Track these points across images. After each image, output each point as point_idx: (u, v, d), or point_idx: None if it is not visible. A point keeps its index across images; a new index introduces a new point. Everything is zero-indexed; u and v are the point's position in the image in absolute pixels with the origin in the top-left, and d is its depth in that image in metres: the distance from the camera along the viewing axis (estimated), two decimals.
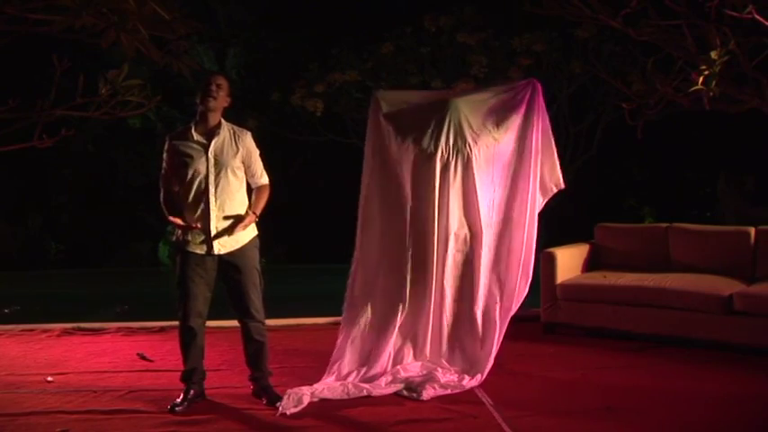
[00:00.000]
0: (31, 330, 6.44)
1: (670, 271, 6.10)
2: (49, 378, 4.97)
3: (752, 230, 6.08)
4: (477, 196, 5.01)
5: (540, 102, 5.17)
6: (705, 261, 6.10)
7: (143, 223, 14.00)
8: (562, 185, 5.32)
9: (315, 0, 12.95)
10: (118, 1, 4.27)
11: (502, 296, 5.06)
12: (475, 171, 5.00)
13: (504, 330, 5.04)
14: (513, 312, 5.11)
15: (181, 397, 4.36)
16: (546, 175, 5.26)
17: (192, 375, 4.43)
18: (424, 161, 5.02)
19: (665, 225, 6.57)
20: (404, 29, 11.33)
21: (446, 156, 4.98)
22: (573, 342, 5.95)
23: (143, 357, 5.52)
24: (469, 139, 5.01)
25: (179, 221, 4.28)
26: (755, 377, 4.83)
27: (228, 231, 4.31)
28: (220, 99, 4.34)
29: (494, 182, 5.10)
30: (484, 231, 5.04)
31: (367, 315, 4.93)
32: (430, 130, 5.03)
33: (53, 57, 4.88)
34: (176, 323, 6.20)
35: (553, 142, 5.28)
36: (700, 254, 6.20)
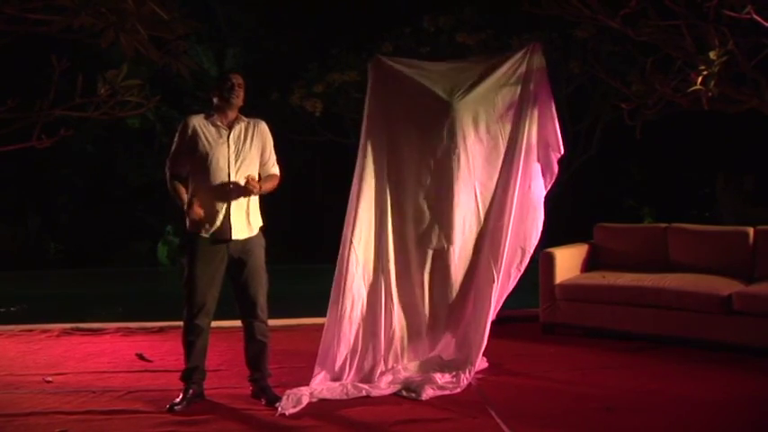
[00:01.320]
0: (30, 331, 6.43)
1: (669, 271, 6.10)
2: (48, 378, 4.97)
3: (751, 230, 6.09)
4: (477, 190, 5.04)
5: (540, 74, 5.17)
6: (704, 261, 6.10)
7: (142, 223, 14.02)
8: (561, 151, 5.23)
9: (314, 0, 12.95)
10: (116, 1, 4.27)
11: (498, 275, 5.02)
12: (475, 166, 5.03)
13: (497, 310, 5.07)
14: (508, 292, 5.14)
15: (180, 396, 4.36)
16: (550, 143, 5.21)
17: (192, 375, 4.43)
18: (425, 155, 5.04)
19: (664, 225, 6.57)
20: (403, 29, 11.33)
21: (447, 152, 4.99)
22: (572, 342, 5.95)
23: (142, 358, 5.52)
24: (472, 138, 5.04)
25: (197, 210, 4.26)
26: (755, 377, 4.84)
27: (244, 218, 4.36)
28: (241, 98, 4.44)
29: (495, 171, 5.12)
30: (483, 221, 5.06)
31: (354, 307, 4.89)
32: (431, 128, 5.05)
33: (52, 57, 4.88)
34: (176, 323, 6.23)
35: (554, 110, 5.22)
36: (699, 254, 6.20)
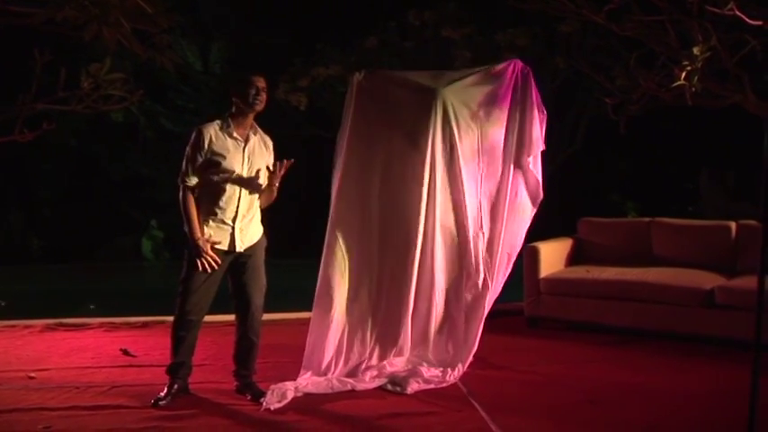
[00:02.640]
0: (13, 326, 6.38)
1: (652, 265, 6.15)
2: (31, 374, 4.93)
3: (733, 225, 6.14)
4: (463, 187, 5.02)
5: (527, 84, 5.16)
6: (687, 255, 6.16)
7: (126, 218, 13.94)
8: (542, 147, 5.19)
9: None
10: None
11: (492, 282, 5.08)
12: (461, 162, 5.02)
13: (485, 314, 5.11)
14: (496, 296, 5.17)
15: (165, 391, 4.35)
16: (533, 142, 5.18)
17: (179, 369, 4.41)
18: (410, 152, 5.00)
19: (647, 219, 6.61)
20: (388, 23, 11.32)
21: (432, 147, 4.97)
22: (556, 336, 5.98)
23: (126, 353, 5.49)
24: (456, 132, 5.01)
25: (199, 242, 4.18)
26: (736, 370, 4.87)
27: (249, 228, 4.35)
28: (264, 103, 4.32)
29: (480, 172, 5.12)
30: (470, 221, 5.05)
31: (340, 307, 4.89)
32: (416, 121, 5.02)
33: (34, 50, 4.84)
34: (160, 318, 6.22)
35: (537, 117, 5.17)
36: (682, 248, 6.25)
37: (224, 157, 4.23)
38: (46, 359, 5.36)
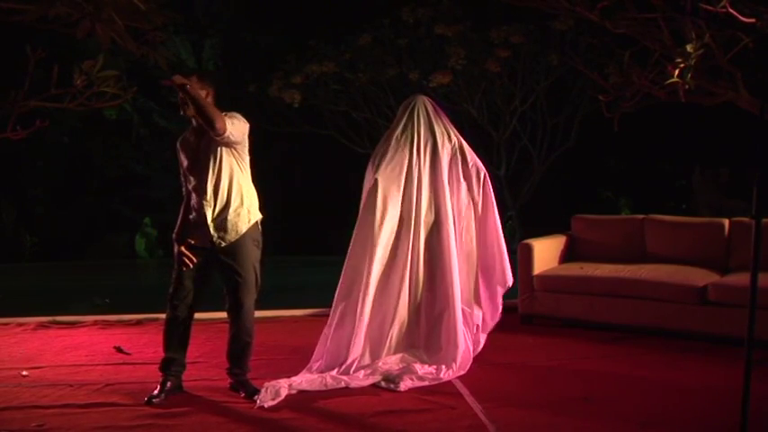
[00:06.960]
0: (6, 324, 6.37)
1: (646, 262, 6.16)
2: (25, 372, 4.92)
3: (726, 222, 6.15)
4: (444, 183, 5.03)
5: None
6: (680, 252, 6.17)
7: (119, 215, 13.91)
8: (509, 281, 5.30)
9: None
10: None
11: (488, 286, 5.18)
12: (442, 158, 5.04)
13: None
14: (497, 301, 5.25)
15: (158, 389, 4.34)
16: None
17: (170, 365, 4.41)
18: (397, 147, 5.04)
19: (641, 216, 6.63)
20: (382, 20, 11.32)
21: (418, 140, 5.01)
22: (550, 333, 5.99)
23: (120, 350, 5.49)
24: (435, 126, 5.07)
25: (174, 240, 4.36)
26: (729, 367, 4.89)
27: (227, 223, 4.34)
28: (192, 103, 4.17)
29: (455, 174, 5.14)
30: (453, 219, 5.05)
31: (341, 312, 4.92)
32: (403, 121, 5.09)
33: (27, 47, 4.82)
34: (154, 315, 6.22)
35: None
36: (675, 245, 6.26)
37: (185, 160, 4.39)
38: (39, 357, 5.35)
